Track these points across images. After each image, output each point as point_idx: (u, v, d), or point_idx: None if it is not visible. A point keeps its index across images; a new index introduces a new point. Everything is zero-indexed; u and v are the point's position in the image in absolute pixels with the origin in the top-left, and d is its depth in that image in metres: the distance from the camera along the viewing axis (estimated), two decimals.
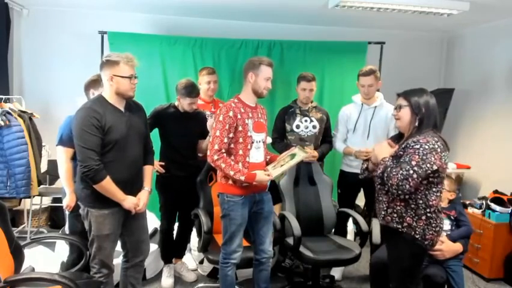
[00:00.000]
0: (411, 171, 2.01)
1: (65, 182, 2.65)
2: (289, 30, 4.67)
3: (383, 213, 2.24)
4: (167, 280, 3.26)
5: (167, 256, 3.33)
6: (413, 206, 2.13)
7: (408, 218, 2.14)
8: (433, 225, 2.14)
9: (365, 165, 2.45)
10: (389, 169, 2.10)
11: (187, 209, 3.16)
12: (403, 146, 2.13)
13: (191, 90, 3.01)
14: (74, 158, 2.61)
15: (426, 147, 2.03)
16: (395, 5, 3.63)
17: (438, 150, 2.05)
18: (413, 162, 2.02)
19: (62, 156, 2.63)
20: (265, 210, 2.64)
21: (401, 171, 2.03)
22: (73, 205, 2.63)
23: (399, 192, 2.07)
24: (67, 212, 2.75)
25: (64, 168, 2.63)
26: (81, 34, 4.38)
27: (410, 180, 2.01)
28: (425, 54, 5.16)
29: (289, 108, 3.45)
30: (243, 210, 2.51)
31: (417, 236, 2.13)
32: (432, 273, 2.59)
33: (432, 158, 2.02)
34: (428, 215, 2.12)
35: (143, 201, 2.41)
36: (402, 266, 2.22)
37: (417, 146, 2.04)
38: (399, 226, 2.16)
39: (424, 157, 2.02)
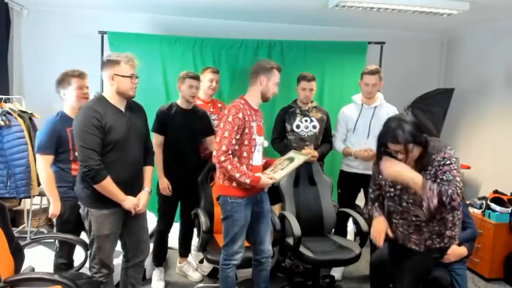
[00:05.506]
0: (460, 185, 2.00)
1: (47, 191, 2.54)
2: (289, 30, 4.67)
3: (422, 241, 2.21)
4: (157, 284, 3.24)
5: (159, 258, 3.30)
6: (450, 218, 2.14)
7: (448, 232, 2.16)
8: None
9: (368, 208, 2.44)
10: (443, 189, 1.97)
11: (188, 208, 3.16)
12: (435, 165, 2.07)
13: (190, 72, 3.12)
14: (54, 163, 2.57)
15: (454, 160, 2.04)
16: (395, 5, 3.63)
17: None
18: (458, 178, 2.01)
19: (41, 164, 2.52)
20: (265, 209, 2.65)
21: (451, 189, 1.97)
22: (58, 213, 2.55)
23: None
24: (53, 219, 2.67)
25: (44, 175, 2.52)
26: (81, 34, 4.38)
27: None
28: (425, 54, 5.16)
29: (289, 108, 3.45)
30: (246, 211, 2.51)
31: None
32: (438, 276, 2.58)
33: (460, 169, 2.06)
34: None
35: (143, 202, 2.41)
36: (419, 278, 2.26)
37: (449, 162, 2.03)
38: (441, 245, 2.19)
39: (459, 170, 2.05)
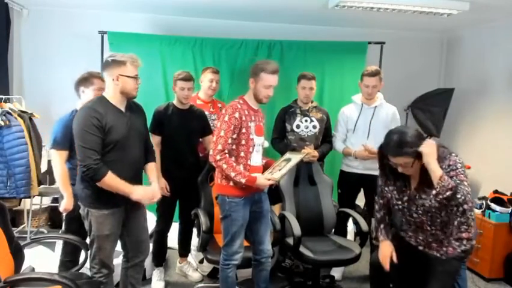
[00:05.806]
0: (468, 189, 2.02)
1: (61, 186, 2.60)
2: (289, 30, 4.67)
3: (444, 248, 2.20)
4: (157, 284, 3.23)
5: (159, 258, 3.30)
6: (463, 220, 2.13)
7: (464, 234, 2.14)
8: None
9: (378, 232, 2.42)
10: (458, 187, 1.98)
11: (187, 208, 3.16)
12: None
13: (182, 73, 3.08)
14: (68, 160, 2.63)
15: (460, 165, 2.04)
16: (395, 5, 3.63)
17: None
18: (465, 182, 2.01)
19: (57, 159, 2.59)
20: (264, 209, 2.65)
21: (466, 190, 2.00)
22: (71, 208, 2.60)
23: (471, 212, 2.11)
24: (64, 214, 2.73)
25: (59, 171, 2.58)
26: (81, 34, 4.38)
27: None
28: (425, 54, 5.16)
29: (289, 108, 3.45)
30: (244, 210, 2.52)
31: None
32: None
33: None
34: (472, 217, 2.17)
35: (157, 194, 2.42)
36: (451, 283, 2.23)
37: (455, 168, 2.03)
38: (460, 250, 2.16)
39: (466, 175, 2.04)
